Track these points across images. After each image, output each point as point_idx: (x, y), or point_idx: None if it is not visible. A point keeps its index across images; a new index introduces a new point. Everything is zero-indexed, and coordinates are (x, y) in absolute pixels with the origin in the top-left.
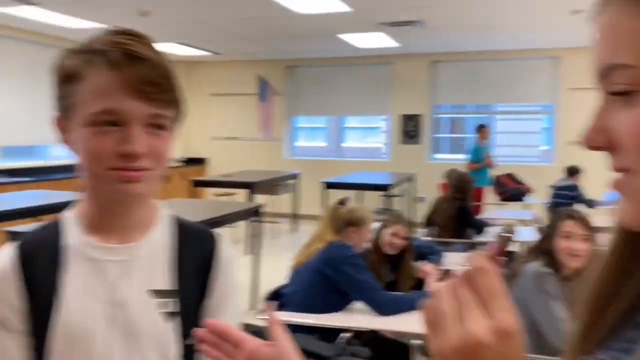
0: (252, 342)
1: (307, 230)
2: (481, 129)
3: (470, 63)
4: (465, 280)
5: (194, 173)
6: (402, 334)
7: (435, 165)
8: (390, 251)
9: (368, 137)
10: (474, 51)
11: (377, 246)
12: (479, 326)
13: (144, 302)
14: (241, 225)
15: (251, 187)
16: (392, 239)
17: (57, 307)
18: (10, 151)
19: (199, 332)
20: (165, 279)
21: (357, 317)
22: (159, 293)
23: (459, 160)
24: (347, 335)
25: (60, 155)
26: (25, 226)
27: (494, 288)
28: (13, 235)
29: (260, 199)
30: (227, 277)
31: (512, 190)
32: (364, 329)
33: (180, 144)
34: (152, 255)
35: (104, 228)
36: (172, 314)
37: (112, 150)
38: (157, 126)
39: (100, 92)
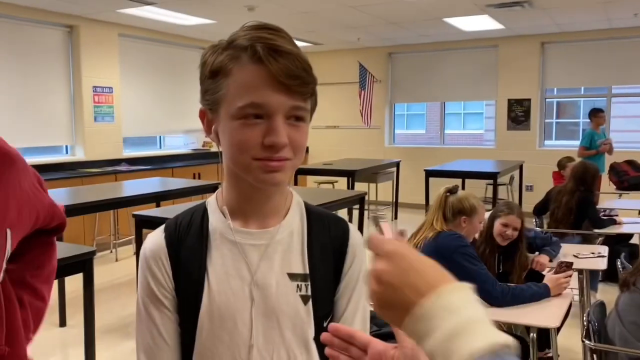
0: (379, 345)
1: (407, 219)
2: (596, 113)
3: (584, 43)
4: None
5: None
6: (518, 326)
7: (546, 152)
8: (502, 242)
9: (470, 124)
10: (587, 30)
11: (488, 237)
12: (375, 264)
13: (283, 285)
14: (342, 214)
15: (352, 175)
16: (504, 230)
17: (205, 287)
18: (131, 142)
19: (326, 336)
20: (299, 263)
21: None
22: (295, 276)
23: (572, 147)
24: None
25: (174, 145)
26: (148, 210)
27: (377, 238)
28: (139, 218)
29: (360, 187)
30: (358, 263)
31: (631, 178)
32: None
33: None
34: (288, 240)
35: (244, 214)
36: (306, 297)
37: (258, 142)
38: (296, 118)
39: (246, 86)
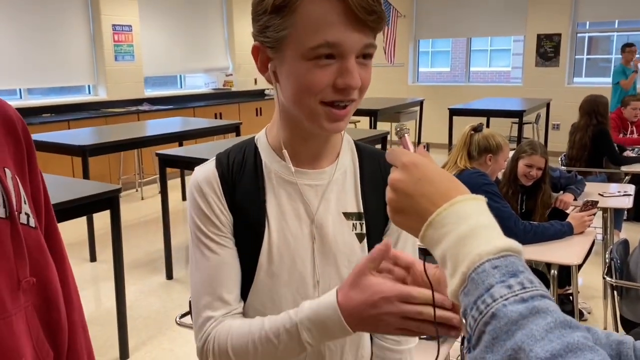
0: (421, 265)
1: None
2: (627, 47)
3: None
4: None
5: None
6: (539, 263)
7: (575, 89)
8: (527, 182)
9: (497, 61)
10: None
11: (512, 178)
12: (392, 174)
13: (339, 224)
14: None
15: (374, 114)
16: (528, 171)
17: (265, 228)
18: (152, 81)
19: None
20: (353, 202)
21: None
22: (350, 215)
23: (602, 84)
24: None
25: (195, 84)
26: (172, 150)
27: (395, 150)
28: (162, 157)
29: (382, 126)
30: None
31: None
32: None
33: None
34: (342, 179)
35: (297, 154)
36: (361, 235)
37: (329, 84)
38: (365, 56)
39: (319, 23)
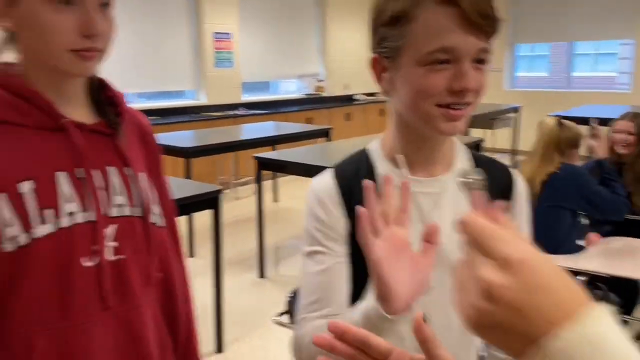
0: (404, 357)
1: None
2: None
3: None
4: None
5: None
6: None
7: None
8: (624, 150)
9: (601, 66)
10: None
11: (614, 158)
12: (485, 270)
13: (453, 233)
14: None
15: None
16: (619, 137)
17: None
18: (248, 86)
19: (321, 340)
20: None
21: (595, 261)
22: None
23: None
24: (582, 278)
25: (287, 90)
26: (267, 153)
27: (486, 230)
28: (259, 160)
29: (476, 133)
30: (524, 211)
31: None
32: (602, 274)
33: None
34: (457, 188)
35: (412, 162)
36: None
37: (444, 87)
38: (480, 61)
39: (435, 30)
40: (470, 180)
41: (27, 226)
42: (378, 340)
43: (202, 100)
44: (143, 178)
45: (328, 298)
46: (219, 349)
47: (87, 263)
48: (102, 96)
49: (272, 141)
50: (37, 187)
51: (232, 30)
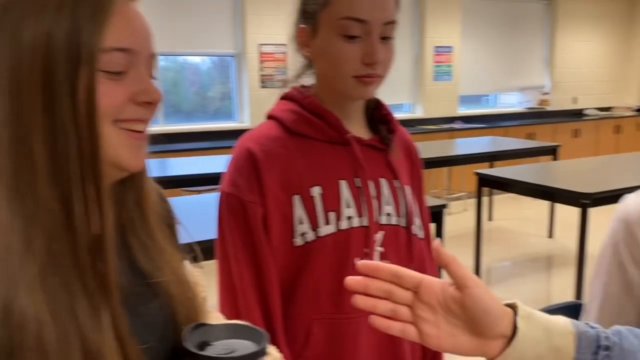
0: (435, 284)
1: None
2: None
3: None
4: None
5: None
6: None
7: None
8: None
9: None
10: None
11: None
12: None
13: None
14: None
15: None
16: None
17: None
18: (465, 99)
19: (352, 280)
20: None
21: None
22: None
23: None
24: None
25: (507, 103)
26: (489, 170)
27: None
28: (481, 176)
29: None
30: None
31: None
32: None
33: (637, 91)
34: None
35: None
36: None
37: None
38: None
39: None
40: None
41: (314, 225)
42: (408, 272)
43: (418, 113)
44: (408, 191)
45: None
46: None
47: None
48: (377, 114)
49: (490, 157)
50: (324, 192)
51: (453, 43)
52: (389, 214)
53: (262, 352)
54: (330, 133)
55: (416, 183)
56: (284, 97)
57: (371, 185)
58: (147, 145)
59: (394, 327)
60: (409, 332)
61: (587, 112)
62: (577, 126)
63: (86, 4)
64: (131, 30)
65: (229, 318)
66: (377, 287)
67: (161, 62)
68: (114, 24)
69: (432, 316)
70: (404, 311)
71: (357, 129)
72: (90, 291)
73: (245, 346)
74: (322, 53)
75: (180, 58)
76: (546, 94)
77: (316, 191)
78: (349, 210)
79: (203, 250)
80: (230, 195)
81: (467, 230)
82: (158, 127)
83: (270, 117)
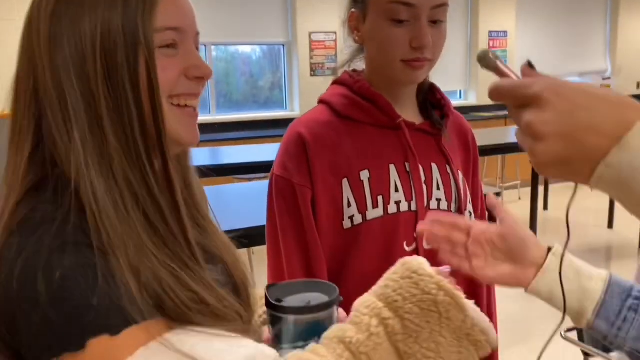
0: (480, 225)
1: None
2: None
3: None
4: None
5: None
6: None
7: None
8: None
9: None
10: None
11: None
12: (524, 116)
13: None
14: None
15: None
16: None
17: None
18: None
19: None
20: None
21: None
22: None
23: None
24: None
25: None
26: None
27: (511, 85)
28: None
29: None
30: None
31: None
32: None
33: None
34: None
35: None
36: None
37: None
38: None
39: None
40: (487, 55)
41: (362, 208)
42: (463, 220)
43: (471, 100)
44: (461, 177)
45: None
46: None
47: (408, 248)
48: (430, 99)
49: None
50: (372, 176)
51: (508, 27)
52: (439, 200)
53: (335, 302)
54: (380, 117)
55: (472, 169)
56: (336, 82)
57: (422, 170)
58: (197, 122)
59: (453, 262)
60: (464, 266)
61: None
62: None
63: None
64: (178, 10)
65: None
66: (440, 230)
67: (213, 52)
68: (163, 5)
69: (481, 251)
70: (460, 250)
71: (409, 113)
72: (185, 258)
73: (319, 297)
74: (371, 37)
75: (232, 48)
76: (607, 78)
77: (365, 175)
78: (397, 194)
79: (254, 237)
80: (280, 178)
81: (522, 219)
82: (210, 116)
83: (321, 101)
